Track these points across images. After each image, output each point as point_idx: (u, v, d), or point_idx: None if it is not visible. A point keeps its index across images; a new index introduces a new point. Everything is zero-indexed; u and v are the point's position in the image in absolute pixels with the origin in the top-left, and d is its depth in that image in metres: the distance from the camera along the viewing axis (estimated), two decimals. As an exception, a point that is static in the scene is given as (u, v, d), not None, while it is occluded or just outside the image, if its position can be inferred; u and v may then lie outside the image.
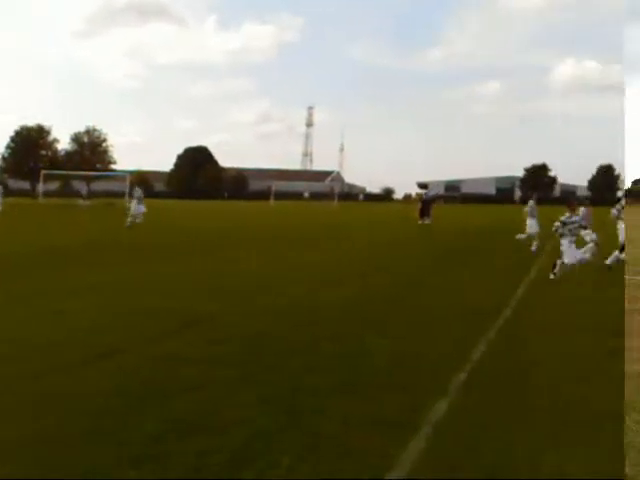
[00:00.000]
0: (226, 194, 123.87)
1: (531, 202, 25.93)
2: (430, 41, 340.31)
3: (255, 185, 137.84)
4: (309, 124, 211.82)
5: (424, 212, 38.01)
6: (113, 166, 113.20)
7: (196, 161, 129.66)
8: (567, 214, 15.46)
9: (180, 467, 4.95)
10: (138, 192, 35.94)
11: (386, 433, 5.69)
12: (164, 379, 7.15)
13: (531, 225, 25.15)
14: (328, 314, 11.06)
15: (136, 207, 34.90)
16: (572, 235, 15.29)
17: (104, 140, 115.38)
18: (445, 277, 16.38)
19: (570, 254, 15.21)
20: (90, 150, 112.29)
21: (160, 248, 23.45)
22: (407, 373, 7.60)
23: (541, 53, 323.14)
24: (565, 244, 15.30)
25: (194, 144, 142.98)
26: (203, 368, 7.58)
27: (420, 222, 37.40)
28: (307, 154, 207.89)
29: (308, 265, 18.51)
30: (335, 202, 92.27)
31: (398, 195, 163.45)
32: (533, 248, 23.56)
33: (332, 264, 19.00)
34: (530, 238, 24.73)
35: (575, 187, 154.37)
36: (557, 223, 15.43)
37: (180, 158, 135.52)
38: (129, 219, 34.02)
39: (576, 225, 15.44)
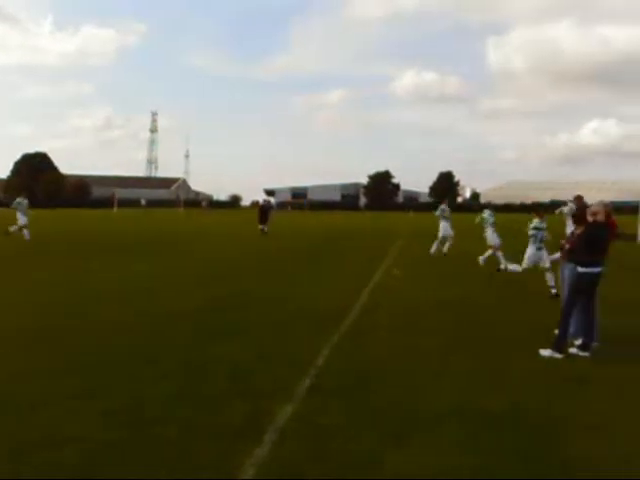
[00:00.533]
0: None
1: (443, 206, 26.40)
2: (273, 48, 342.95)
3: (98, 192, 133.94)
4: (153, 130, 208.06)
5: (262, 219, 38.87)
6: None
7: (35, 167, 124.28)
8: (536, 220, 15.72)
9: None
10: None
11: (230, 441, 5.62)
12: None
13: (444, 227, 25.66)
14: (175, 323, 10.85)
15: None
16: (540, 241, 15.53)
17: None
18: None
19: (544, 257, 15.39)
20: None
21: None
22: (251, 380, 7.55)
23: (383, 63, 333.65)
24: (532, 249, 15.39)
25: (32, 150, 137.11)
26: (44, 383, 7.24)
27: (261, 228, 38.20)
28: (152, 161, 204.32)
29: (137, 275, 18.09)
30: (181, 209, 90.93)
31: (246, 202, 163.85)
32: (445, 250, 24.76)
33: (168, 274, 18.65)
34: (444, 240, 25.33)
35: (418, 193, 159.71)
36: (532, 229, 15.51)
37: (17, 164, 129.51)
38: None
39: (543, 231, 15.60)
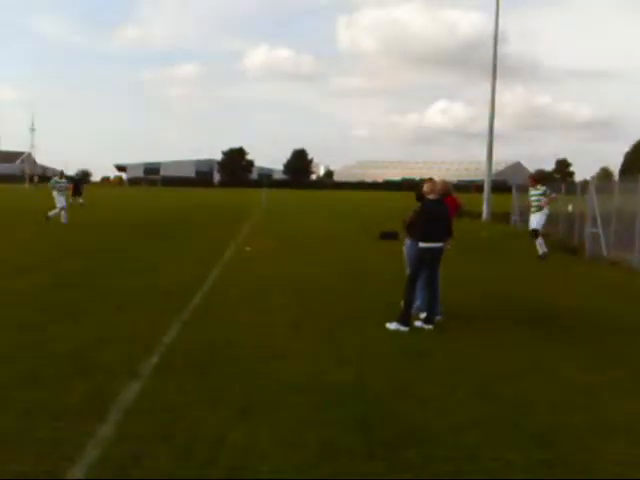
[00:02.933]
0: None
1: None
2: (123, 20, 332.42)
3: None
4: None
5: (76, 191, 39.62)
6: None
7: None
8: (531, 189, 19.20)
9: None
10: None
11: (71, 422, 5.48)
12: None
13: None
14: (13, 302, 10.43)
15: None
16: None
17: None
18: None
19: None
20: None
21: None
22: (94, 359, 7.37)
23: (236, 38, 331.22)
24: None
25: None
26: None
27: (71, 201, 37.62)
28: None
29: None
30: (27, 185, 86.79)
31: (96, 177, 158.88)
32: None
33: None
34: None
35: (271, 170, 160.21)
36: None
37: None
38: None
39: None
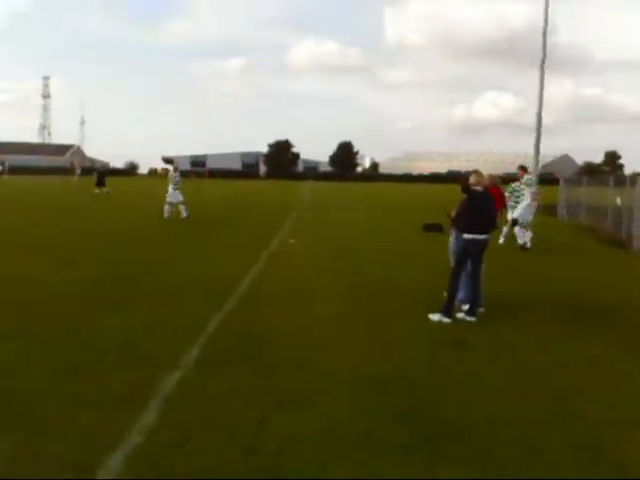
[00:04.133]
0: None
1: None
2: (170, 14, 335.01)
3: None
4: (46, 95, 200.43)
5: (100, 182, 42.96)
6: None
7: None
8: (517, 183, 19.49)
9: None
10: None
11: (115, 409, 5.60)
12: None
13: None
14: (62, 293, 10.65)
15: None
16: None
17: None
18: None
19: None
20: None
21: None
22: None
23: (283, 32, 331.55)
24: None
25: None
26: None
27: (97, 191, 41.67)
28: (45, 127, 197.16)
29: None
30: (75, 178, 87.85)
31: (143, 170, 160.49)
32: None
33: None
34: None
35: (317, 163, 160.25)
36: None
37: None
38: None
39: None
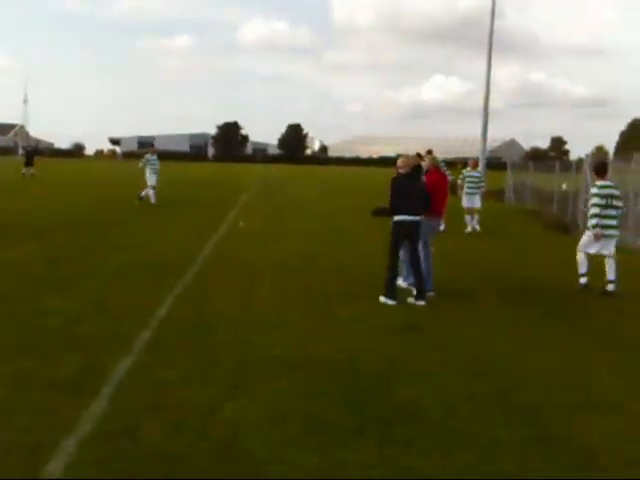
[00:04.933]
0: None
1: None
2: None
3: None
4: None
5: (28, 162, 42.20)
6: None
7: None
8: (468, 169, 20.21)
9: None
10: None
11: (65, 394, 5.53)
12: None
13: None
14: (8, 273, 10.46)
15: None
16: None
17: None
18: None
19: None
20: None
21: None
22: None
23: (230, 10, 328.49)
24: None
25: None
26: None
27: (24, 172, 41.17)
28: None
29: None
30: (19, 157, 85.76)
31: (89, 151, 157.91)
32: None
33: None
34: None
35: (266, 145, 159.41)
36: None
37: None
38: None
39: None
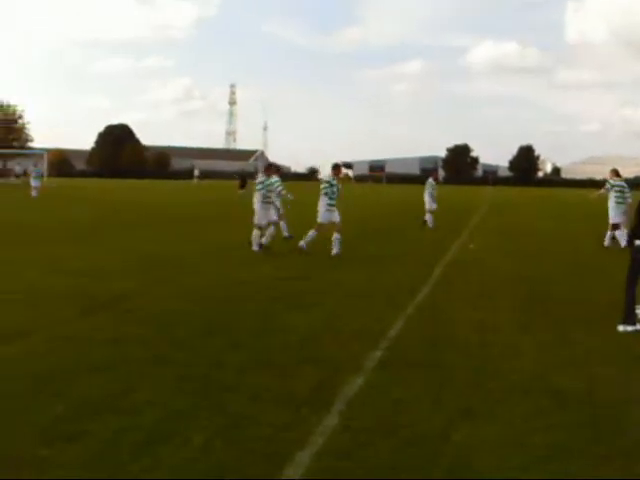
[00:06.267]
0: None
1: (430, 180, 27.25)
2: (345, 20, 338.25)
3: (177, 164, 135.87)
4: (232, 102, 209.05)
5: (242, 185, 48.16)
6: (30, 144, 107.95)
7: (117, 139, 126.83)
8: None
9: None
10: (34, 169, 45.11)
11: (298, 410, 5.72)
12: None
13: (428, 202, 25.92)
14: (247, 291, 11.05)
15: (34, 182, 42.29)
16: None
17: (20, 117, 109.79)
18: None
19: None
20: (5, 127, 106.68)
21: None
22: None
23: (459, 33, 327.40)
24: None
25: (114, 122, 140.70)
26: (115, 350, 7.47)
27: (240, 192, 45.65)
28: (230, 133, 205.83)
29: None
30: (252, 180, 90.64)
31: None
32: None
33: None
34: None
35: (496, 167, 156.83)
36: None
37: (101, 136, 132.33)
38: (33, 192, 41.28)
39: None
